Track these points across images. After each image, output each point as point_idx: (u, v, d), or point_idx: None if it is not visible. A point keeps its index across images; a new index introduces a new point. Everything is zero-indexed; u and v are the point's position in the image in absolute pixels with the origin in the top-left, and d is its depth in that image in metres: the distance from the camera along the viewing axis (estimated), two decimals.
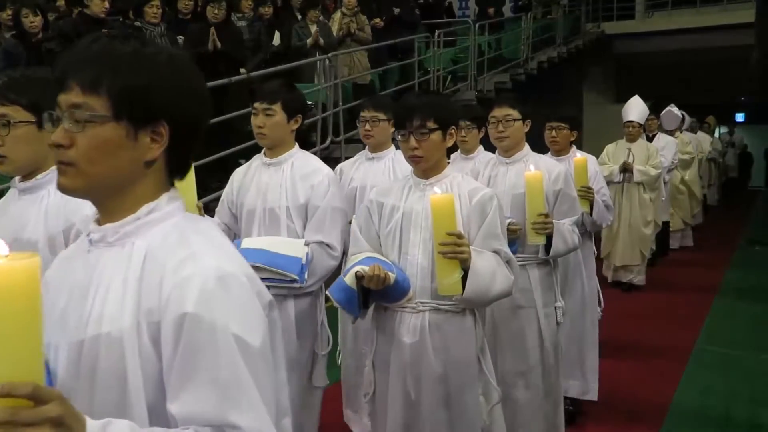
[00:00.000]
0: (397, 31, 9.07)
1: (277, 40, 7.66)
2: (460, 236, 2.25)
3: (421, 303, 2.41)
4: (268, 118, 2.89)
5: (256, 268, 2.52)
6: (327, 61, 7.03)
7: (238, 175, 3.07)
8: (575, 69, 13.87)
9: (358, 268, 2.35)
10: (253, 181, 2.97)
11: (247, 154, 6.35)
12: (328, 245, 2.84)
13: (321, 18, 7.70)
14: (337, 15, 8.03)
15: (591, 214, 3.97)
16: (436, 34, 9.19)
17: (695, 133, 10.33)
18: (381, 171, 3.57)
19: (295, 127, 2.94)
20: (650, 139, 7.55)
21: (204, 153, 5.43)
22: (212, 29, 6.02)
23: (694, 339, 5.51)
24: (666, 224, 8.14)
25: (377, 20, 8.82)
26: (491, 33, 11.08)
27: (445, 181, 2.46)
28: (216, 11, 6.15)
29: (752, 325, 6.00)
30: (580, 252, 3.94)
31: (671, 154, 7.60)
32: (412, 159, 2.43)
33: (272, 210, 2.88)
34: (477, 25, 10.14)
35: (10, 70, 5.42)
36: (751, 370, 4.90)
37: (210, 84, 5.63)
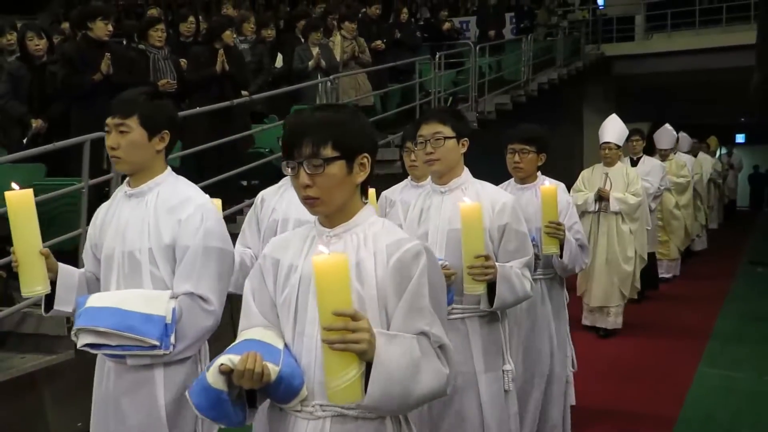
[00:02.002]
0: (399, 53, 9.14)
1: (280, 62, 7.72)
2: (354, 317, 1.55)
3: (321, 406, 1.72)
4: (122, 137, 2.27)
5: (104, 335, 2.14)
6: (329, 83, 7.07)
7: (101, 210, 2.43)
8: (576, 90, 13.95)
9: (223, 358, 1.70)
10: (114, 217, 2.35)
11: (249, 177, 6.42)
12: (200, 297, 2.20)
13: (323, 40, 7.77)
14: (337, 38, 8.10)
15: (561, 256, 3.36)
16: (437, 56, 9.26)
17: (695, 155, 10.17)
18: None
19: (161, 146, 2.33)
20: (635, 163, 7.01)
21: (206, 175, 5.44)
22: (221, 51, 6.09)
23: (697, 362, 5.49)
24: (651, 256, 7.15)
25: (378, 43, 8.89)
26: (492, 55, 11.15)
27: (356, 231, 1.78)
28: (235, 35, 6.26)
29: (755, 347, 5.97)
30: (549, 302, 3.47)
31: (657, 180, 6.98)
32: (306, 201, 1.75)
33: (132, 254, 2.26)
34: (478, 47, 10.21)
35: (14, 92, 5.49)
36: (754, 393, 4.87)
37: (213, 107, 5.69)
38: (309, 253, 1.78)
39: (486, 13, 12.72)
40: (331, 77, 7.11)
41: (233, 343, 1.79)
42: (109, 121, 2.30)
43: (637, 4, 15.78)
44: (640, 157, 7.16)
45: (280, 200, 3.02)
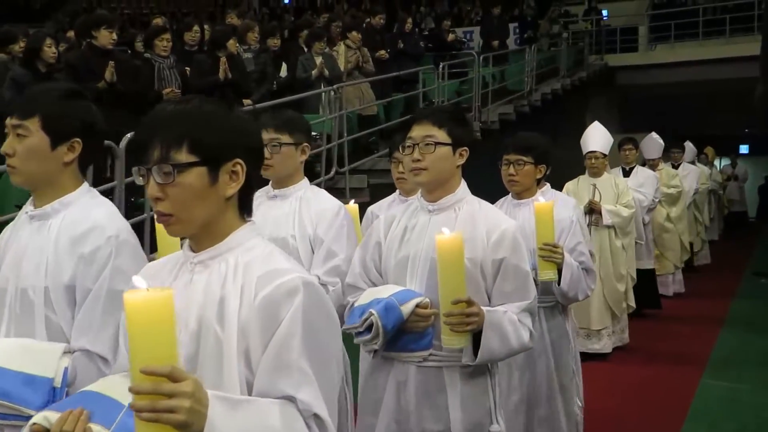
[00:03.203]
0: (402, 62, 9.16)
1: (284, 71, 7.76)
2: (171, 376, 1.16)
3: None
4: (19, 141, 1.82)
5: None
6: (332, 93, 7.09)
7: (6, 231, 1.95)
8: (579, 101, 13.97)
9: (38, 416, 1.39)
10: (14, 242, 1.88)
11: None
12: (99, 356, 1.74)
13: (326, 50, 7.80)
14: (341, 48, 8.13)
15: (559, 283, 2.97)
16: (441, 66, 9.27)
17: (694, 165, 10.06)
18: (285, 215, 2.59)
19: (70, 157, 1.86)
20: (627, 173, 6.57)
21: None
22: (223, 59, 6.12)
23: (701, 374, 5.46)
24: (651, 272, 6.86)
25: (382, 52, 8.92)
26: (495, 65, 11.17)
27: (227, 257, 1.39)
28: (238, 44, 6.29)
29: (759, 358, 5.93)
30: (548, 335, 3.07)
31: (652, 191, 6.53)
32: (158, 218, 1.38)
33: (25, 291, 1.78)
34: (481, 57, 10.23)
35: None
36: (759, 405, 4.84)
37: None
38: (174, 284, 1.40)
39: (489, 24, 12.75)
40: (334, 86, 7.13)
41: (70, 395, 1.49)
42: (6, 121, 1.85)
43: (640, 14, 15.83)
44: (633, 167, 6.71)
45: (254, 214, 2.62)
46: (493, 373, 2.27)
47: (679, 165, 8.86)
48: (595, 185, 5.48)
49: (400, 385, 2.23)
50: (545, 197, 3.15)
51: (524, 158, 3.10)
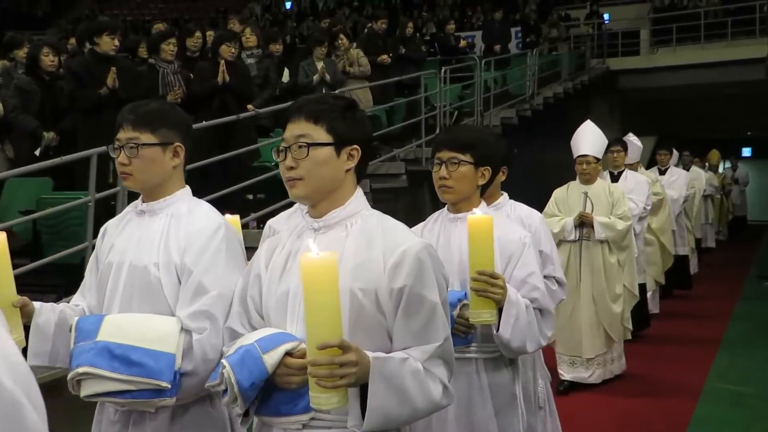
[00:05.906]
0: (403, 67, 9.18)
1: (286, 77, 7.78)
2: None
3: None
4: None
5: None
6: None
7: None
8: (581, 104, 13.99)
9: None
10: None
11: (255, 190, 6.45)
12: None
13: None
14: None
15: (498, 329, 2.18)
16: (443, 70, 9.30)
17: (687, 170, 9.82)
18: (150, 236, 2.00)
19: None
20: (616, 179, 5.89)
21: (210, 189, 5.46)
22: (222, 62, 6.14)
23: (705, 376, 5.45)
24: (641, 288, 5.90)
25: (384, 57, 8.92)
26: (497, 69, 11.20)
27: None
28: (233, 49, 6.30)
29: (764, 361, 5.92)
30: (489, 398, 2.30)
31: (643, 198, 5.88)
32: None
33: None
34: (483, 62, 10.25)
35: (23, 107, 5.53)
36: (764, 407, 4.82)
37: (218, 121, 5.72)
38: None
39: (491, 28, 12.78)
40: (336, 91, 7.14)
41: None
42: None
43: (642, 18, 15.86)
44: (622, 171, 6.02)
45: (122, 233, 2.07)
46: None
47: (666, 169, 8.14)
48: (586, 194, 4.89)
49: None
50: (499, 211, 2.51)
51: (460, 156, 2.30)
